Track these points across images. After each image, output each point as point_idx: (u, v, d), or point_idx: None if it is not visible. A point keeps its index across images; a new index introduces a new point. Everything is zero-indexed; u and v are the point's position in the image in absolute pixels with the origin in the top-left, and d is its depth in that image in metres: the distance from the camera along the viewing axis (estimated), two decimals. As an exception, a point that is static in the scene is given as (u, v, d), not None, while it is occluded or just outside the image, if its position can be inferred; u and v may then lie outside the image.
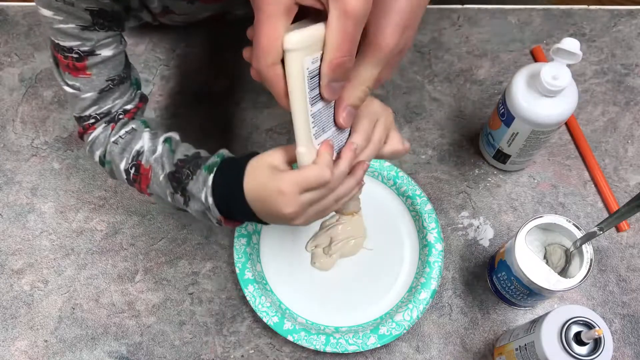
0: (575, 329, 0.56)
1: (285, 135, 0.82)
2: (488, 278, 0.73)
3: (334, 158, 0.52)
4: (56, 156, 0.82)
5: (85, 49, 0.61)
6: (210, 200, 0.57)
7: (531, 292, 0.65)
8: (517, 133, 0.70)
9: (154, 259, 0.76)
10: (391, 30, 0.48)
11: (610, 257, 0.75)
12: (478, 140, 0.81)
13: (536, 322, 0.59)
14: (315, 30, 0.44)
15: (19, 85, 0.86)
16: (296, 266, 0.75)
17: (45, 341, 0.72)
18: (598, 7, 0.90)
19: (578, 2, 0.91)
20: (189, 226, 0.77)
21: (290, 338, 0.69)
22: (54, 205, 0.79)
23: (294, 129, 0.48)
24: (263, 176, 0.53)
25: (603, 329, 0.55)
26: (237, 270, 0.72)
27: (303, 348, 0.70)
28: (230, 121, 0.83)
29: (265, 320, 0.70)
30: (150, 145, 0.63)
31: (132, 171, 0.64)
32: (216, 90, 0.85)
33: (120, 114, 0.65)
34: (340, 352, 0.69)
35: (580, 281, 0.61)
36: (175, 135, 0.65)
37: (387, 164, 0.78)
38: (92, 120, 0.65)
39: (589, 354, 0.55)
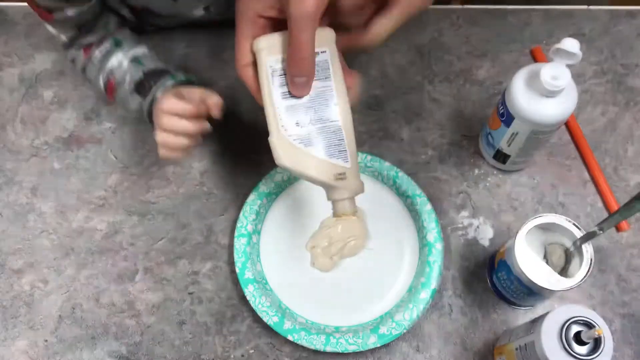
0: (575, 328, 0.56)
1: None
2: (488, 278, 0.73)
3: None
4: (56, 156, 0.82)
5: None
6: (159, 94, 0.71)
7: (531, 292, 0.65)
8: (517, 133, 0.70)
9: (154, 259, 0.76)
10: None
11: (610, 257, 0.75)
12: (478, 140, 0.81)
13: (536, 322, 0.59)
14: (282, 34, 0.52)
15: (19, 85, 0.86)
16: (296, 266, 0.75)
17: (46, 341, 0.72)
18: (598, 7, 0.90)
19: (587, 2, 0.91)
20: (189, 226, 0.78)
21: (290, 338, 0.69)
22: (54, 205, 0.79)
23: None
24: (169, 93, 0.68)
25: (603, 329, 0.55)
26: (237, 270, 0.72)
27: (303, 348, 0.70)
28: (230, 121, 0.83)
29: (265, 320, 0.70)
30: (120, 63, 0.76)
31: (106, 84, 0.77)
32: (216, 91, 0.85)
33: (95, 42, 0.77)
34: (340, 351, 0.69)
35: (580, 281, 0.61)
36: (142, 51, 0.77)
37: (387, 164, 0.78)
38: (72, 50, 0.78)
39: (589, 354, 0.55)
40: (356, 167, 0.56)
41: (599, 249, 0.75)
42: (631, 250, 0.75)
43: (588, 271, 0.62)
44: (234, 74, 0.86)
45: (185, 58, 0.87)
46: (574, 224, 0.64)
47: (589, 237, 0.62)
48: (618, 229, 0.76)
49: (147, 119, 0.74)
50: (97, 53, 0.77)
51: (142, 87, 0.74)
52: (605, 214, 0.77)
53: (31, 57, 0.88)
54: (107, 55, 0.76)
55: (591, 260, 0.62)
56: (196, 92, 0.69)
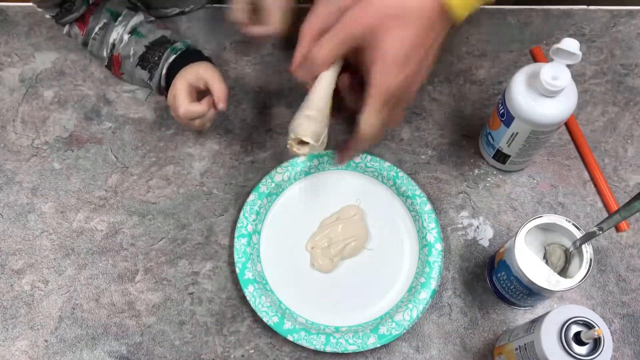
0: (574, 328, 0.56)
1: (285, 135, 0.82)
2: (488, 278, 0.73)
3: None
4: (56, 156, 0.82)
5: None
6: (164, 70, 0.78)
7: (531, 292, 0.65)
8: (517, 133, 0.70)
9: (154, 259, 0.76)
10: (379, 72, 0.58)
11: (610, 257, 0.75)
12: (478, 140, 0.81)
13: (536, 322, 0.60)
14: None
15: (19, 85, 0.86)
16: (296, 266, 0.75)
17: (46, 341, 0.72)
18: (598, 7, 0.90)
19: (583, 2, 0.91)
20: (189, 226, 0.78)
21: (290, 338, 0.69)
22: (54, 205, 0.79)
23: (309, 101, 0.63)
24: (182, 85, 0.74)
25: (602, 329, 0.55)
26: (237, 270, 0.72)
27: (303, 348, 0.70)
28: (230, 121, 0.83)
29: (265, 320, 0.70)
30: (120, 37, 0.79)
31: (110, 59, 0.81)
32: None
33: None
34: (340, 352, 0.69)
35: (580, 281, 0.61)
36: (139, 20, 0.80)
37: (387, 164, 0.78)
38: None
39: (588, 354, 0.55)
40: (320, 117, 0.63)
41: (599, 249, 0.75)
42: (631, 250, 0.75)
43: (588, 271, 0.62)
44: (233, 74, 0.87)
45: (185, 58, 0.87)
46: (573, 224, 0.63)
47: (588, 237, 0.62)
48: (618, 229, 0.77)
49: (157, 93, 0.81)
50: (97, 28, 0.80)
51: (146, 61, 0.79)
52: (605, 214, 0.77)
53: (31, 57, 0.88)
54: (106, 30, 0.80)
55: (591, 260, 0.62)
56: (204, 82, 0.74)
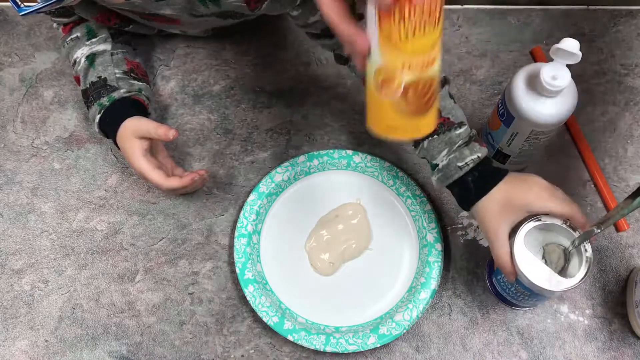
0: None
1: (285, 135, 0.82)
2: (487, 280, 0.73)
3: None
4: (56, 156, 0.82)
5: None
6: (96, 127, 0.76)
7: (532, 294, 0.65)
8: (517, 133, 0.70)
9: (154, 259, 0.76)
10: None
11: (610, 257, 0.75)
12: (478, 140, 0.81)
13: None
14: None
15: (19, 85, 0.86)
16: (296, 266, 0.75)
17: (46, 341, 0.72)
18: (598, 7, 0.90)
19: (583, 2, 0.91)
20: (189, 226, 0.78)
21: (290, 338, 0.69)
22: (54, 205, 0.79)
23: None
24: (127, 139, 0.72)
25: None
26: (237, 270, 0.72)
27: (303, 348, 0.70)
28: (230, 121, 0.83)
29: (265, 320, 0.70)
30: (79, 60, 0.78)
31: (74, 72, 0.80)
32: (216, 90, 0.85)
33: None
34: (340, 352, 0.69)
35: (581, 280, 0.61)
36: (105, 48, 0.78)
37: (387, 164, 0.78)
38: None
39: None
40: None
41: (599, 249, 0.75)
42: (631, 250, 0.75)
43: (587, 271, 0.61)
44: (233, 74, 0.87)
45: (185, 58, 0.87)
46: (570, 226, 0.63)
47: (586, 236, 0.61)
48: (618, 229, 0.76)
49: (95, 130, 0.77)
50: (69, 38, 0.79)
51: (85, 96, 0.77)
52: (604, 214, 0.77)
53: (31, 57, 0.88)
54: (75, 44, 0.79)
55: (590, 259, 0.62)
56: (150, 130, 0.71)
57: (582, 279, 0.61)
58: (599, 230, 0.60)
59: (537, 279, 0.62)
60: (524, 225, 0.63)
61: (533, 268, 0.62)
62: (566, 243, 0.64)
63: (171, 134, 0.70)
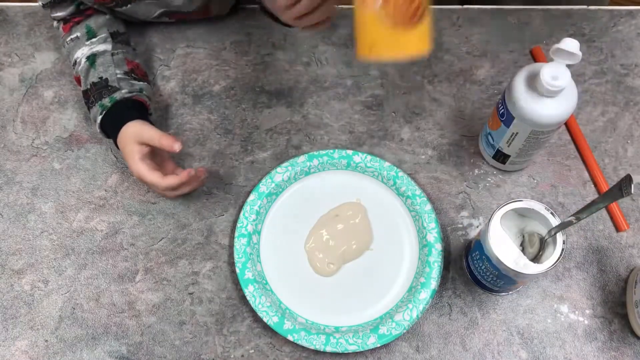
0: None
1: (285, 135, 0.82)
2: (464, 259, 0.74)
3: None
4: (56, 156, 0.82)
5: None
6: (97, 128, 0.77)
7: (500, 274, 0.65)
8: (517, 133, 0.70)
9: (154, 259, 0.76)
10: None
11: (610, 257, 0.75)
12: (478, 140, 0.81)
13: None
14: None
15: (19, 85, 0.86)
16: (296, 266, 0.75)
17: (46, 341, 0.72)
18: (598, 7, 0.90)
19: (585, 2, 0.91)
20: (189, 226, 0.78)
21: (290, 338, 0.69)
22: (54, 205, 0.79)
23: None
24: (128, 143, 0.73)
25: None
26: (237, 270, 0.72)
27: (303, 348, 0.70)
28: (230, 121, 0.83)
29: (265, 320, 0.70)
30: (80, 60, 0.79)
31: (74, 73, 0.81)
32: (216, 90, 0.85)
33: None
34: (340, 351, 0.69)
35: (549, 267, 0.62)
36: (105, 48, 0.79)
37: (387, 164, 0.78)
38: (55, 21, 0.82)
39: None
40: None
41: (599, 249, 0.75)
42: (631, 250, 0.75)
43: (558, 259, 0.62)
44: (233, 74, 0.87)
45: (185, 58, 0.87)
46: (551, 213, 0.64)
47: (563, 226, 0.62)
48: (618, 229, 0.76)
49: (97, 130, 0.78)
50: (69, 38, 0.80)
51: (86, 98, 0.78)
52: (604, 214, 0.77)
53: (31, 57, 0.88)
54: (75, 44, 0.80)
55: (563, 249, 0.62)
56: (154, 138, 0.72)
57: (551, 266, 0.62)
58: (576, 221, 0.61)
59: (504, 258, 0.63)
60: (504, 206, 0.65)
61: (504, 248, 0.64)
62: (544, 232, 0.65)
63: (177, 146, 0.71)
